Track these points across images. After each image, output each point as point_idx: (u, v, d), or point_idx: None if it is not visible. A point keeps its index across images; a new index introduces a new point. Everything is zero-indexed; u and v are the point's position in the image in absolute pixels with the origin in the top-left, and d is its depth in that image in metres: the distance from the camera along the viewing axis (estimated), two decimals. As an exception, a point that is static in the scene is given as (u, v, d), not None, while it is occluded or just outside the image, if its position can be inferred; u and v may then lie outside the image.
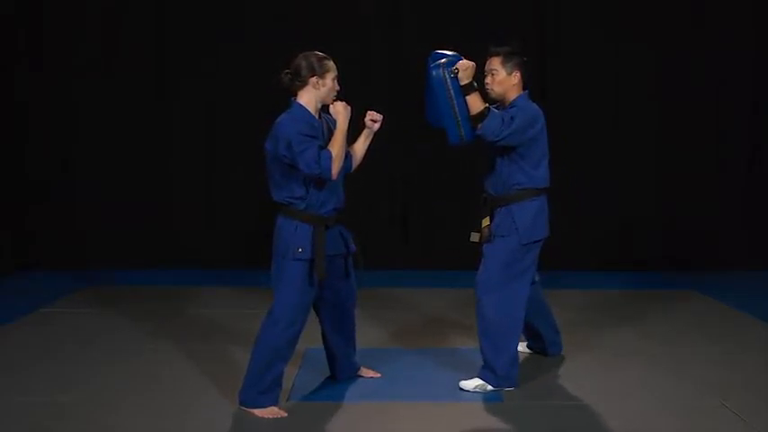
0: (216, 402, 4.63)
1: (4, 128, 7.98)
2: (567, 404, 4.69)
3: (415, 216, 8.22)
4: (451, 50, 4.82)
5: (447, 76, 4.68)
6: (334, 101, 4.45)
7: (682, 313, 6.64)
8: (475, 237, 4.92)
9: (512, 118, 4.70)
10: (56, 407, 4.53)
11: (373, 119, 4.61)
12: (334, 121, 4.44)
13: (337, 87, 4.46)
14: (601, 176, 8.16)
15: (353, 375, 4.99)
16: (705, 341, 5.88)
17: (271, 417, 4.41)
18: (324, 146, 4.34)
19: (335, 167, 4.28)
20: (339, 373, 4.95)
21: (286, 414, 4.44)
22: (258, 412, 4.43)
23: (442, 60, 4.73)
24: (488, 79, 4.85)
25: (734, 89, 8.18)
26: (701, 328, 6.25)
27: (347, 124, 4.39)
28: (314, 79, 4.37)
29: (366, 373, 5.05)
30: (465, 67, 4.70)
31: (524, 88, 4.89)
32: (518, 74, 4.85)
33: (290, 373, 5.03)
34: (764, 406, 4.63)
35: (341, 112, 4.39)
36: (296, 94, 4.46)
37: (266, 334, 4.49)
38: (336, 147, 4.32)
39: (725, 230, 8.27)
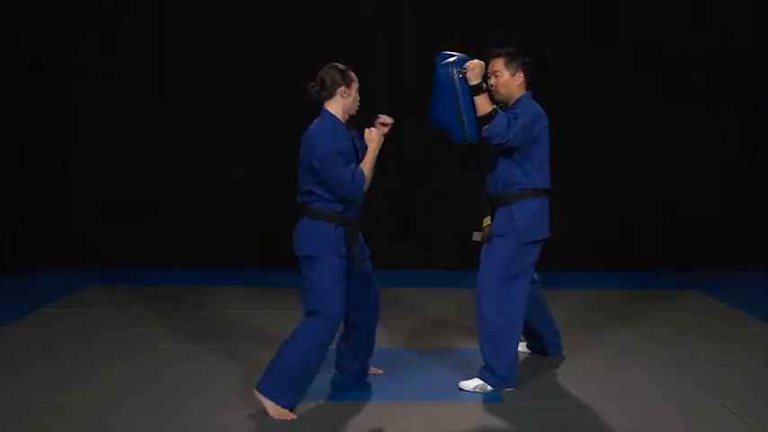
0: (216, 402, 4.63)
1: (4, 128, 7.99)
2: (567, 404, 4.69)
3: (415, 216, 8.22)
4: (455, 52, 4.82)
5: (455, 75, 4.68)
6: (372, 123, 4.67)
7: (682, 313, 6.64)
8: (477, 236, 4.92)
9: (515, 118, 4.71)
10: (56, 407, 4.53)
11: (383, 122, 4.69)
12: (359, 136, 4.62)
13: (358, 98, 4.63)
14: (601, 176, 8.17)
15: (363, 374, 5.08)
16: (705, 341, 5.89)
17: (278, 418, 4.39)
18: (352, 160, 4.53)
19: (365, 187, 4.51)
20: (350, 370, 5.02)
21: (295, 417, 4.42)
22: (270, 407, 4.40)
23: (451, 59, 4.73)
24: (492, 81, 4.85)
25: (734, 89, 8.18)
26: (701, 327, 6.25)
27: (377, 151, 4.57)
28: (342, 89, 4.55)
29: (370, 370, 5.12)
30: (473, 66, 4.70)
31: (528, 88, 4.90)
32: (521, 74, 4.85)
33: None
34: (764, 406, 4.63)
35: (374, 139, 4.57)
36: (323, 104, 4.61)
37: (309, 332, 4.49)
38: (367, 169, 4.52)
39: (725, 230, 8.27)
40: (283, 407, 4.41)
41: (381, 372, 5.12)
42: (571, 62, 8.12)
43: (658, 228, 8.26)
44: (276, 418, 4.39)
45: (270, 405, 4.42)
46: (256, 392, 4.46)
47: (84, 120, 8.09)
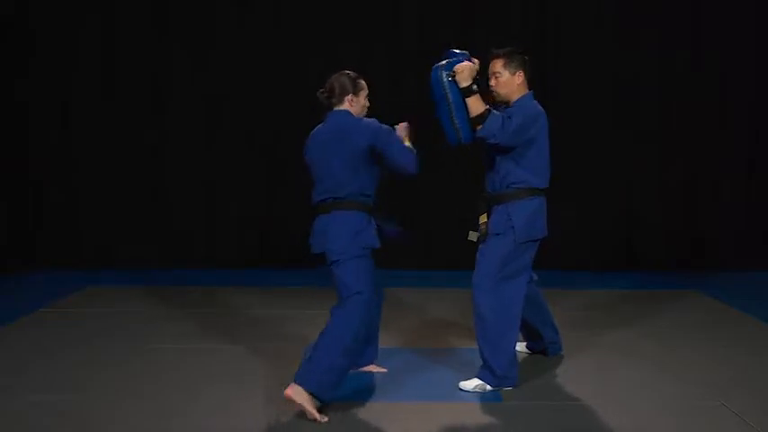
0: (216, 402, 4.63)
1: (4, 128, 7.99)
2: (567, 404, 4.69)
3: (416, 216, 8.22)
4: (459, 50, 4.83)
5: (445, 78, 4.70)
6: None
7: (682, 313, 6.64)
8: (473, 236, 4.92)
9: (509, 117, 4.70)
10: (56, 407, 4.53)
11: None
12: None
13: (367, 104, 4.72)
14: (601, 176, 8.17)
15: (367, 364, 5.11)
16: (705, 341, 5.88)
17: (313, 418, 4.35)
18: None
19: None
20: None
21: (327, 420, 4.39)
22: (309, 408, 4.36)
23: (442, 63, 4.75)
24: (492, 82, 4.85)
25: (734, 89, 8.19)
26: (702, 327, 6.25)
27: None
28: (349, 97, 4.65)
29: (373, 368, 5.12)
30: (462, 69, 4.70)
31: (530, 87, 4.89)
32: (521, 74, 4.84)
33: (290, 373, 5.02)
34: (764, 406, 4.63)
35: (401, 130, 4.73)
36: (331, 109, 4.69)
37: (349, 321, 4.50)
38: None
39: (725, 230, 8.28)
40: (327, 402, 4.42)
41: (385, 370, 5.13)
42: (571, 62, 8.13)
43: (658, 228, 8.26)
44: (308, 411, 4.34)
45: (308, 406, 4.35)
46: (294, 388, 4.38)
47: (84, 120, 8.10)
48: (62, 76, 8.05)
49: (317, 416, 4.35)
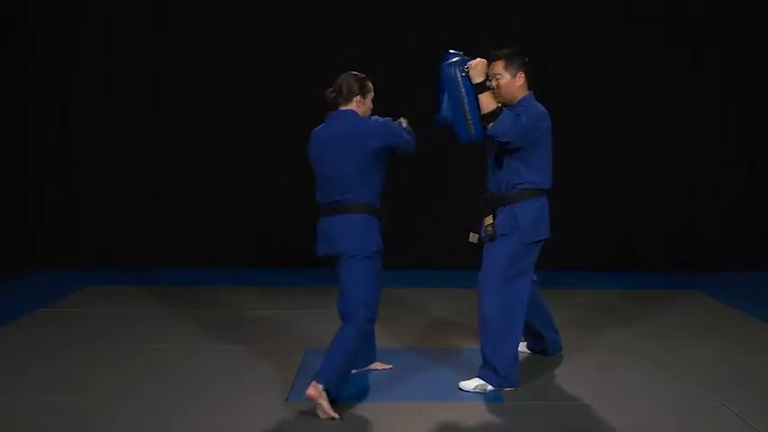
0: (216, 402, 4.62)
1: (4, 128, 7.99)
2: (567, 404, 4.69)
3: (416, 216, 8.22)
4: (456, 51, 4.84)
5: (459, 74, 4.70)
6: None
7: (682, 313, 6.64)
8: (473, 237, 4.91)
9: (517, 116, 4.71)
10: (56, 407, 4.52)
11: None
12: None
13: (372, 106, 4.77)
14: (601, 176, 8.17)
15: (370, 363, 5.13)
16: (705, 341, 5.88)
17: (327, 417, 4.37)
18: None
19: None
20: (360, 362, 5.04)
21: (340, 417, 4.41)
22: (326, 405, 4.38)
23: (455, 59, 4.75)
24: (493, 84, 4.84)
25: (734, 89, 8.19)
26: (702, 327, 6.25)
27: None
28: (357, 98, 4.68)
29: (377, 366, 5.14)
30: (475, 65, 4.71)
31: (530, 88, 4.89)
32: (522, 75, 4.84)
33: (290, 373, 5.03)
34: (764, 406, 4.63)
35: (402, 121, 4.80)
36: (337, 108, 4.71)
37: (354, 328, 4.53)
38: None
39: (725, 230, 8.28)
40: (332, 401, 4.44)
41: (390, 366, 5.15)
42: (571, 62, 8.13)
43: (658, 228, 8.26)
44: (324, 412, 4.36)
45: (325, 403, 4.37)
46: (314, 387, 4.39)
47: (84, 120, 8.10)
48: (62, 76, 8.04)
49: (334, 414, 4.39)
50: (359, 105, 4.67)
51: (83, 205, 8.14)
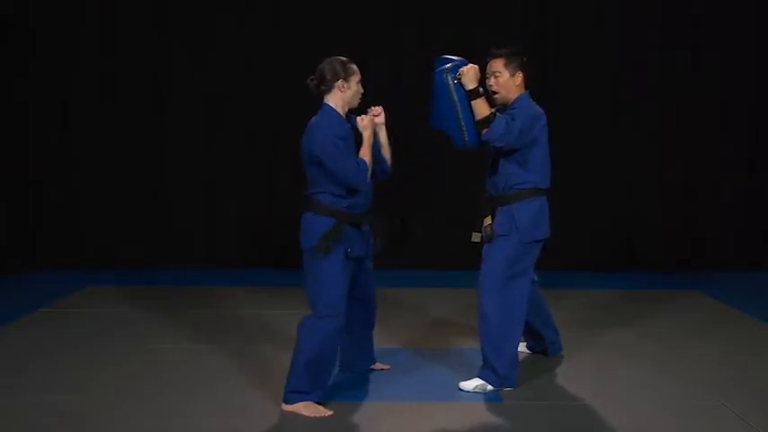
0: (216, 403, 4.63)
1: (4, 128, 7.99)
2: (567, 404, 4.69)
3: (415, 216, 8.22)
4: (456, 56, 4.83)
5: (450, 81, 4.70)
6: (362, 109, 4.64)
7: (682, 313, 6.64)
8: (476, 237, 4.92)
9: (512, 119, 4.70)
10: (56, 407, 4.53)
11: (374, 113, 4.66)
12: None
13: (361, 90, 4.59)
14: (601, 176, 8.17)
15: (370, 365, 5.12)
16: (705, 341, 5.88)
17: (314, 415, 4.40)
18: (352, 148, 4.52)
19: (368, 177, 4.50)
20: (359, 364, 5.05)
21: (332, 413, 4.43)
22: (303, 407, 4.42)
23: (447, 65, 4.74)
24: (491, 81, 4.85)
25: (734, 89, 8.18)
26: (702, 327, 6.25)
27: (372, 137, 4.57)
28: (339, 83, 4.51)
29: (376, 366, 5.15)
30: (467, 71, 4.70)
31: (526, 87, 4.89)
32: (521, 74, 4.85)
33: (290, 373, 5.03)
34: (764, 406, 4.63)
35: (366, 126, 4.55)
36: (323, 99, 4.57)
37: (311, 329, 4.51)
38: (367, 157, 4.51)
39: (725, 230, 8.28)
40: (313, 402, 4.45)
41: (389, 367, 5.15)
42: (571, 62, 8.13)
43: (659, 228, 8.26)
44: (312, 416, 4.39)
45: (302, 405, 4.43)
46: (284, 403, 4.49)
47: (84, 120, 8.10)
48: (62, 76, 8.04)
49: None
50: (342, 90, 4.49)
51: (83, 205, 8.14)
